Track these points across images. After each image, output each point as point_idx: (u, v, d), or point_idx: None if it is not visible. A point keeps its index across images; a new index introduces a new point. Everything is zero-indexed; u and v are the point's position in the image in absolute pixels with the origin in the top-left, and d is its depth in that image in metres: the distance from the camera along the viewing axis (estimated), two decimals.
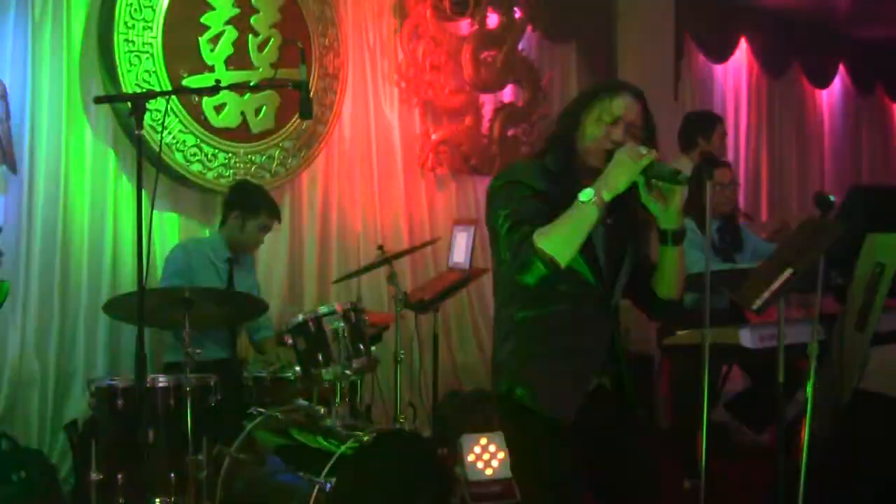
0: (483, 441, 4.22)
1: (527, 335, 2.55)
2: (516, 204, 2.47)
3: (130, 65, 4.43)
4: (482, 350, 5.85)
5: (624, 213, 2.54)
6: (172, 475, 3.53)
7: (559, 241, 2.36)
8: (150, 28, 4.49)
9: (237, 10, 4.81)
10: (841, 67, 9.02)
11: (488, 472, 4.23)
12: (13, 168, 4.22)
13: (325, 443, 3.51)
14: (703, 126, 5.59)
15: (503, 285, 2.61)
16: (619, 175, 2.39)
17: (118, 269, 4.53)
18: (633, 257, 2.64)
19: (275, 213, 4.46)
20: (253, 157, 4.91)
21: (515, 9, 6.18)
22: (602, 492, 2.63)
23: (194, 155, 4.68)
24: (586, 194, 2.37)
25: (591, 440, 2.57)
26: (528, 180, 2.51)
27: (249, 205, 4.37)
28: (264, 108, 4.92)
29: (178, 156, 4.62)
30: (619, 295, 2.64)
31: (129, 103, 2.95)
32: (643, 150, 2.41)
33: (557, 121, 2.67)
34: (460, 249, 5.10)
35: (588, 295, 2.55)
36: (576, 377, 2.55)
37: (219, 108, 4.76)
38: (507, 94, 6.27)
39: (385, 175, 5.62)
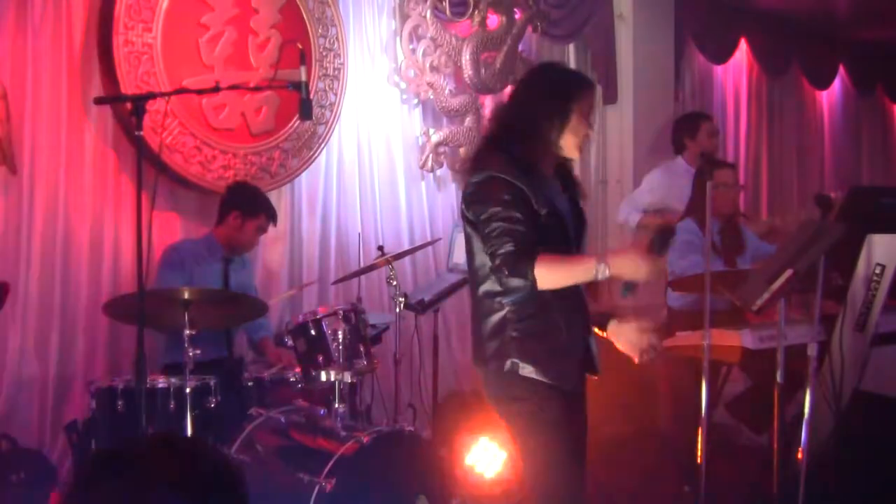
0: (484, 442, 4.22)
1: (520, 316, 2.71)
2: (505, 207, 2.64)
3: (130, 65, 4.43)
4: None
5: (577, 196, 2.87)
6: None
7: (553, 281, 2.61)
8: (150, 29, 4.49)
9: (237, 11, 4.81)
10: (841, 68, 9.02)
11: (489, 473, 4.24)
12: (13, 169, 4.22)
13: (325, 444, 3.51)
14: (687, 126, 5.58)
15: (484, 274, 2.74)
16: (626, 270, 2.61)
17: (118, 269, 4.53)
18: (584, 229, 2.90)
19: (272, 215, 4.47)
20: (253, 158, 4.91)
21: (515, 10, 6.17)
22: None
23: (194, 156, 4.68)
24: (601, 270, 2.58)
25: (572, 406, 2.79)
26: (507, 175, 2.68)
27: (250, 206, 4.38)
28: (264, 108, 4.92)
29: (178, 157, 4.62)
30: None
31: (128, 104, 2.96)
32: (643, 269, 2.62)
33: (538, 113, 2.80)
34: (460, 250, 5.08)
35: None
36: (571, 346, 2.74)
37: (218, 109, 4.75)
38: (508, 95, 6.24)
39: (385, 176, 5.62)
